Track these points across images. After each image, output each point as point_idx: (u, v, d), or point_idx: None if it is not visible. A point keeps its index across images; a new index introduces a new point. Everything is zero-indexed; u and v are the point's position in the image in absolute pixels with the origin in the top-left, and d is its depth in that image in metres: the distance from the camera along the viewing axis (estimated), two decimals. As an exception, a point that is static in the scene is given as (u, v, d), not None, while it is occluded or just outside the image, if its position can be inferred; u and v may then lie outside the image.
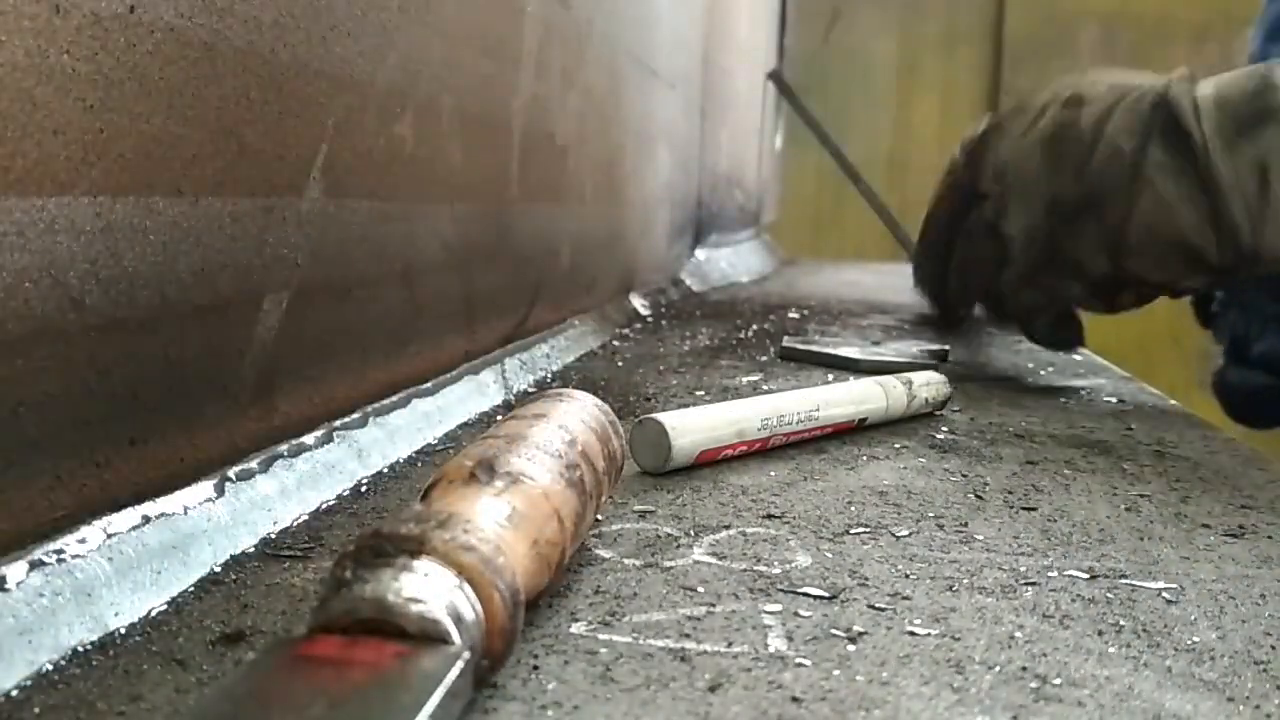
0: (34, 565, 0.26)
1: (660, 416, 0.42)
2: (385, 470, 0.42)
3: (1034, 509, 0.40)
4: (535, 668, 0.25)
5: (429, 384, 0.49)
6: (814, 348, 0.73)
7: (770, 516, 0.37)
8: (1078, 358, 0.80)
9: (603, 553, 0.33)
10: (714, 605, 0.29)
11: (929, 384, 0.55)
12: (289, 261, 0.37)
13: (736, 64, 1.53)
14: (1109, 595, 0.31)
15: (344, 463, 0.40)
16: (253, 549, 0.33)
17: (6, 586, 0.25)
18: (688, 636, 0.27)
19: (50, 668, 0.24)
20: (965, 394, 0.63)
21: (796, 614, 0.29)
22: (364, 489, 0.39)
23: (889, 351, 0.73)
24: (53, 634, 0.25)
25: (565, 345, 0.70)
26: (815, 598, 0.30)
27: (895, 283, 1.42)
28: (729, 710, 0.23)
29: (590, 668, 0.25)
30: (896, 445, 0.49)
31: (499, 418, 0.36)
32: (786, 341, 0.75)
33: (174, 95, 0.30)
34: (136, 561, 0.28)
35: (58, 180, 0.26)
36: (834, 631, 0.28)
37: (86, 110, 0.27)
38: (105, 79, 0.28)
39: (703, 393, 0.60)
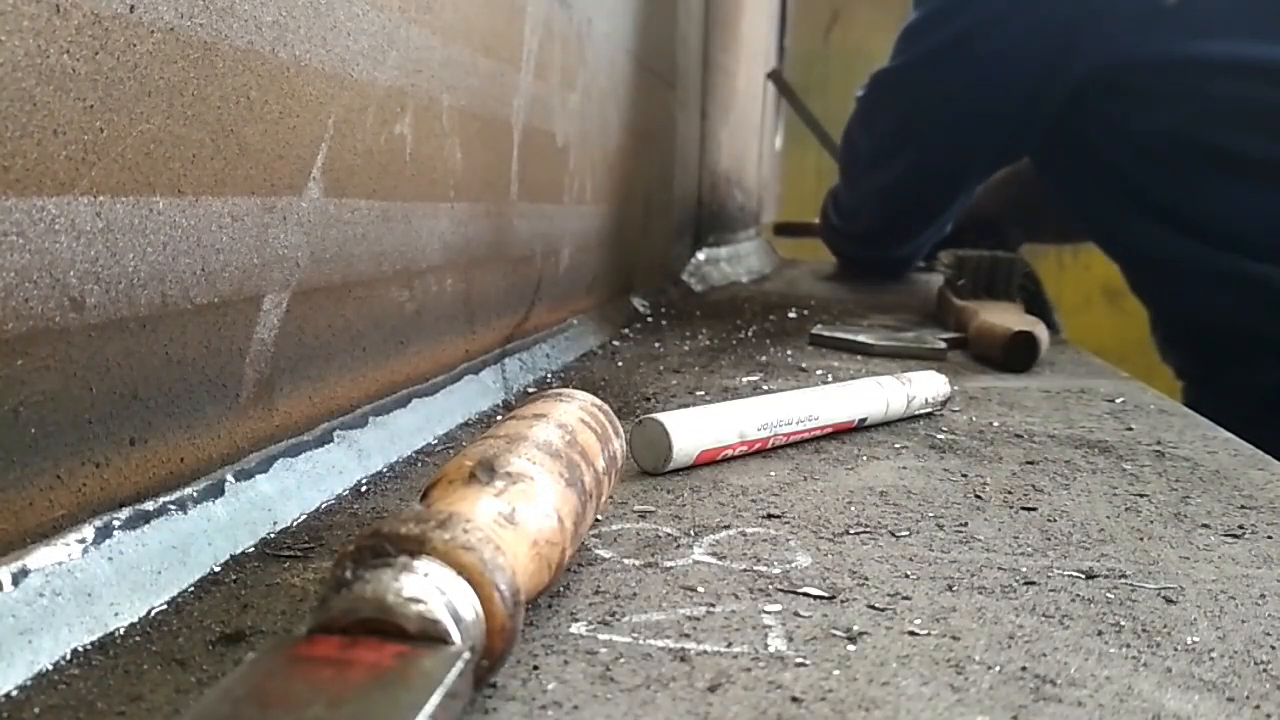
0: (34, 565, 0.26)
1: (660, 416, 0.42)
2: (385, 470, 0.42)
3: (1034, 509, 0.40)
4: (535, 668, 0.25)
5: (429, 384, 0.49)
6: (838, 334, 0.81)
7: (770, 516, 0.37)
8: (1078, 357, 0.80)
9: (603, 553, 0.33)
10: (714, 605, 0.29)
11: (929, 384, 0.55)
12: (289, 261, 0.37)
13: (736, 64, 1.53)
14: (1109, 595, 0.31)
15: (344, 463, 0.40)
16: (253, 549, 0.33)
17: (6, 587, 0.25)
18: (687, 636, 0.27)
19: (50, 668, 0.24)
20: (965, 394, 0.63)
21: (796, 614, 0.29)
22: (364, 489, 0.39)
23: (905, 339, 0.81)
24: (53, 634, 0.25)
25: (565, 345, 0.70)
26: (815, 598, 0.30)
27: (894, 282, 1.42)
28: (729, 710, 0.23)
29: (590, 668, 0.25)
30: (896, 445, 0.49)
31: (499, 418, 0.36)
32: (814, 330, 0.84)
33: (174, 95, 0.30)
34: (136, 561, 0.28)
35: (58, 180, 0.26)
36: (834, 631, 0.28)
37: (86, 110, 0.27)
38: (105, 79, 0.28)
39: (703, 393, 0.60)
